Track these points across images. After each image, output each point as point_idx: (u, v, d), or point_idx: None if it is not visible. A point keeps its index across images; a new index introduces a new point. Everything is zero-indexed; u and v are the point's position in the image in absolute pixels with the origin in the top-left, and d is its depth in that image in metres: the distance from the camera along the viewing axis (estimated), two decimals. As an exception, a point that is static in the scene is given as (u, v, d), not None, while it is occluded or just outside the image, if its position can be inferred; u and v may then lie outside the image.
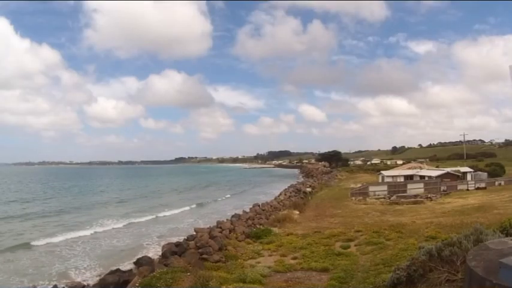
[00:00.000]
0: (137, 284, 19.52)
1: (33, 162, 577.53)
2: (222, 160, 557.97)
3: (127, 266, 28.12)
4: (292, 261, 23.67)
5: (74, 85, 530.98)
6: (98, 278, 25.46)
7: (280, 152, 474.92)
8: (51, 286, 23.55)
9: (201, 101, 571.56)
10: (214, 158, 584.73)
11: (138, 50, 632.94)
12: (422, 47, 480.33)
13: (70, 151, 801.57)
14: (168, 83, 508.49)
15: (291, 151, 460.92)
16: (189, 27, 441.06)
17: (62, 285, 23.71)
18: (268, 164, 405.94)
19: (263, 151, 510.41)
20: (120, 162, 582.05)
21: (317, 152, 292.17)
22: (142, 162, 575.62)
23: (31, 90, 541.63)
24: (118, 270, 25.63)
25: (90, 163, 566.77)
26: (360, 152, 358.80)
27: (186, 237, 35.10)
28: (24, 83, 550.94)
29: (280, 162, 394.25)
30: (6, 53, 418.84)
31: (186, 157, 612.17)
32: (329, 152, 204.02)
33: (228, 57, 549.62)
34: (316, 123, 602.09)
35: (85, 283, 24.21)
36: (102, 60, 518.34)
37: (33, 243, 38.70)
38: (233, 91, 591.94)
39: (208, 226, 38.74)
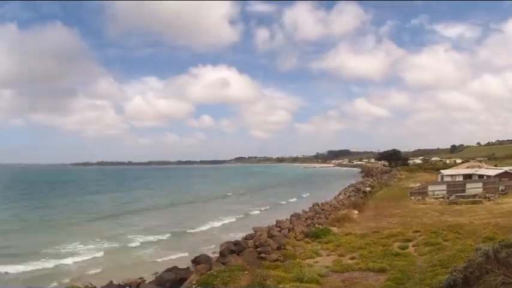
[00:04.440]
0: (194, 282, 19.52)
1: (91, 163, 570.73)
2: (281, 160, 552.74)
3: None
4: (350, 261, 23.46)
5: (124, 84, 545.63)
6: (154, 276, 25.58)
7: (340, 151, 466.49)
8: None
9: (255, 99, 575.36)
10: (273, 157, 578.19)
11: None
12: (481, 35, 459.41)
13: (127, 151, 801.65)
14: (220, 80, 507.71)
15: (351, 150, 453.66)
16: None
17: (119, 282, 23.85)
18: (328, 163, 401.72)
19: (323, 150, 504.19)
20: (179, 162, 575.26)
21: (377, 151, 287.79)
22: (202, 162, 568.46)
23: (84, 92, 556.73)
24: (175, 267, 25.74)
25: (149, 163, 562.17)
26: (419, 150, 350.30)
27: (244, 236, 35.24)
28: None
29: (339, 161, 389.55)
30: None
31: (246, 157, 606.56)
32: (388, 150, 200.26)
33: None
34: (376, 122, 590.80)
35: (140, 280, 24.11)
36: (150, 58, 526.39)
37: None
38: (285, 89, 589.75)
39: (267, 225, 38.81)
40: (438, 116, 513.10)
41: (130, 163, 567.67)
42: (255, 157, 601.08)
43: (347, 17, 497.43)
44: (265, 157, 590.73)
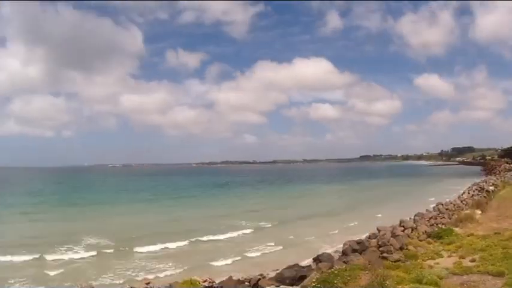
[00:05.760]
0: (314, 280, 19.15)
1: (216, 162, 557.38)
2: (406, 158, 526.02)
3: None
4: (470, 264, 23.01)
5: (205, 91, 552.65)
6: (274, 272, 25.39)
7: (464, 148, 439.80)
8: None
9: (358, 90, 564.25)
10: (399, 155, 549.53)
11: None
12: None
13: (236, 151, 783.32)
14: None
15: (474, 147, 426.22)
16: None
17: (238, 277, 24.15)
18: (452, 161, 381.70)
19: (446, 147, 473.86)
20: (304, 161, 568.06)
21: (499, 148, 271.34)
22: (327, 160, 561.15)
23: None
24: (296, 265, 26.03)
25: (274, 162, 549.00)
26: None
27: (368, 235, 35.79)
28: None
29: (463, 159, 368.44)
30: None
31: (371, 155, 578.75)
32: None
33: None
34: (495, 115, 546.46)
35: (260, 276, 23.93)
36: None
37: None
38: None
39: (391, 225, 39.03)
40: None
41: (254, 162, 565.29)
42: (380, 155, 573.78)
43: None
44: (389, 155, 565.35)
